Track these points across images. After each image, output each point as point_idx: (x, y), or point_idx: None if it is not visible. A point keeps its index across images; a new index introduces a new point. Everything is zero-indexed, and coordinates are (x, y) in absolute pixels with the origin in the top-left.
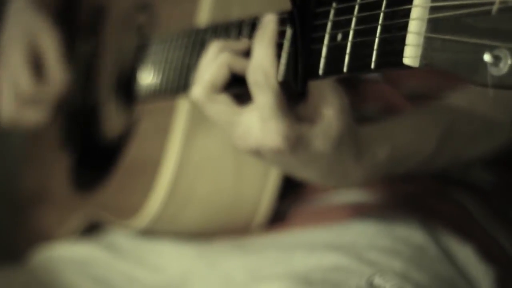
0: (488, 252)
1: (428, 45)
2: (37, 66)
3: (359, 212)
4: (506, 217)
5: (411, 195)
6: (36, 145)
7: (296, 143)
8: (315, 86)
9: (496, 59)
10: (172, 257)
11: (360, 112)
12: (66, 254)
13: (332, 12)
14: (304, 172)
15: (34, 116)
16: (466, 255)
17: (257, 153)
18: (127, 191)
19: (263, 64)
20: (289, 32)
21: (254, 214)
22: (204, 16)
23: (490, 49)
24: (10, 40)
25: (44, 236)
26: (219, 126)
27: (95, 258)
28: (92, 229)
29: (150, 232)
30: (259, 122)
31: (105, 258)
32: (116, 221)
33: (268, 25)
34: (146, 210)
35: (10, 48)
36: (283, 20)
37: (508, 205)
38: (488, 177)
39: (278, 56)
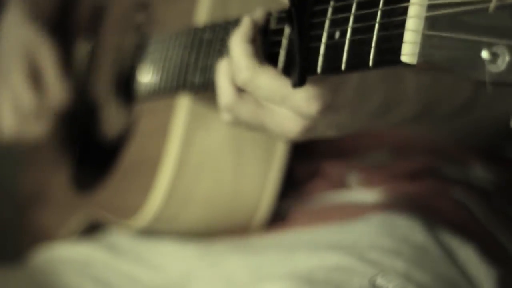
0: (490, 251)
1: (426, 43)
2: (36, 80)
3: (361, 211)
4: (507, 217)
5: (412, 195)
6: (37, 145)
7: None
8: None
9: (494, 56)
10: (173, 257)
11: None
12: (67, 254)
13: (330, 10)
14: (358, 117)
15: (36, 129)
16: (468, 254)
17: (311, 130)
18: (127, 191)
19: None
20: (287, 30)
21: (254, 213)
22: (202, 15)
23: (488, 46)
24: (7, 54)
25: (45, 236)
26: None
27: (95, 259)
28: (92, 229)
29: (150, 232)
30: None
31: (105, 259)
32: (116, 221)
33: (244, 24)
34: (146, 209)
35: (7, 63)
36: (281, 19)
37: (509, 205)
38: (489, 176)
39: (277, 54)
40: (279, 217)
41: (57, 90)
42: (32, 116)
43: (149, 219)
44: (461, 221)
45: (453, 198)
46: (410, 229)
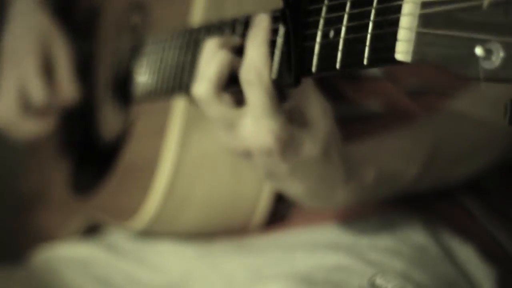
0: (489, 251)
1: (420, 40)
2: (48, 74)
3: (361, 212)
4: (507, 217)
5: (412, 195)
6: (37, 146)
7: (287, 144)
8: (298, 92)
9: (488, 52)
10: (173, 257)
11: (362, 108)
12: (67, 254)
13: (324, 9)
14: (292, 185)
15: (36, 127)
16: (467, 255)
17: (248, 155)
18: (125, 193)
19: (256, 63)
20: (282, 30)
21: (252, 213)
22: (197, 15)
23: (482, 42)
24: (20, 37)
25: (45, 238)
26: (216, 127)
27: (96, 258)
28: (92, 230)
29: (149, 233)
30: (252, 121)
31: (106, 258)
32: (115, 223)
33: (261, 24)
34: (144, 211)
35: (19, 47)
36: (276, 18)
37: (509, 205)
38: (489, 176)
39: (272, 54)
40: (279, 219)
41: (69, 89)
42: (37, 111)
43: (147, 221)
44: (461, 221)
45: (452, 198)
46: (410, 229)
